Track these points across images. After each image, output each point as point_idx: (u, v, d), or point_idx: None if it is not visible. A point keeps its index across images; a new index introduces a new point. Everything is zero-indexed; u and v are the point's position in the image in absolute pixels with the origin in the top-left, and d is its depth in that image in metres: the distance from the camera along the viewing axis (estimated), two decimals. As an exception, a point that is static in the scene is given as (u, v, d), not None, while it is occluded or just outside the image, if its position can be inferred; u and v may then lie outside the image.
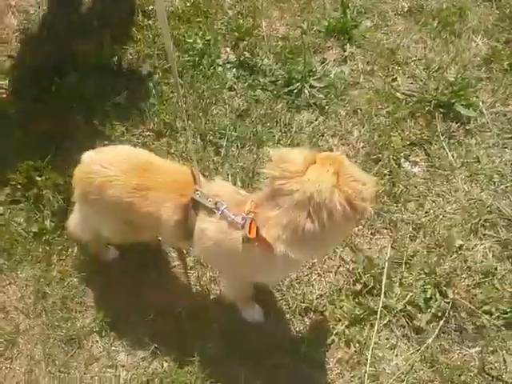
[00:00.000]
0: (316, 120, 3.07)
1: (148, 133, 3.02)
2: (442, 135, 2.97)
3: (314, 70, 3.23)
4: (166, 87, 3.16)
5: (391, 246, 2.67)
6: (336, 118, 3.07)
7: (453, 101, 3.03)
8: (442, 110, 3.04)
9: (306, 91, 3.15)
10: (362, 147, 2.97)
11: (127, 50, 3.28)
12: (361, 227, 2.72)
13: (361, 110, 3.09)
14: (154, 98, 3.12)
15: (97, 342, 2.49)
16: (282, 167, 1.76)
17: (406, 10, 3.46)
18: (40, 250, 2.68)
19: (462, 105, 3.03)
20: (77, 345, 2.48)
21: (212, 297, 2.58)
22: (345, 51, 3.33)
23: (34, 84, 3.13)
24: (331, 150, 2.94)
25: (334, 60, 3.31)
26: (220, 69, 3.24)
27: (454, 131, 2.99)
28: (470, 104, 3.04)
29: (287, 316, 2.50)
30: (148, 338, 2.46)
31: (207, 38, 3.31)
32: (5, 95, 3.17)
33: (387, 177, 2.84)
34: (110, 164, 2.10)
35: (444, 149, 2.93)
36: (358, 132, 3.02)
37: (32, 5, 3.49)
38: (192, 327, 2.48)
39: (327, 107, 3.10)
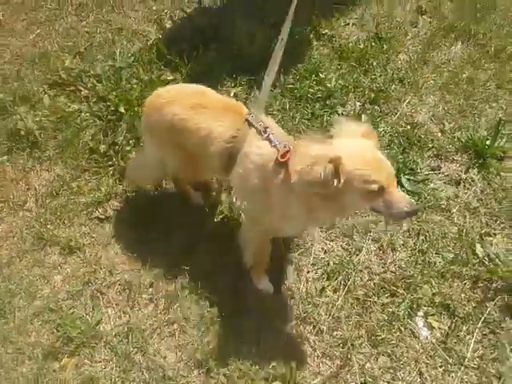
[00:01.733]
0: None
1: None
2: (483, 322, 2.34)
3: (416, 168, 2.84)
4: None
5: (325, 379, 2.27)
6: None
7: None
8: (506, 297, 2.39)
9: (390, 184, 2.79)
10: (390, 271, 2.53)
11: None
12: (320, 339, 2.36)
13: (425, 238, 2.62)
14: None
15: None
16: None
17: None
18: (83, 163, 3.01)
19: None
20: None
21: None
22: (466, 173, 2.83)
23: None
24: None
25: (448, 175, 2.86)
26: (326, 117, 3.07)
27: (500, 327, 2.33)
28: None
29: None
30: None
31: (341, 82, 3.17)
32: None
33: (386, 317, 2.39)
34: (173, 89, 2.43)
35: (472, 336, 2.32)
36: (399, 254, 2.58)
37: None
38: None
39: (394, 212, 2.71)
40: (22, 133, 3.09)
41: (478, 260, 2.54)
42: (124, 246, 2.70)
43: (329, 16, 3.52)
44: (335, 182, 1.78)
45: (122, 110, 3.09)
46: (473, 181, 2.81)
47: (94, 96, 3.23)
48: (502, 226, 2.66)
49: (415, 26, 3.54)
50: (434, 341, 2.33)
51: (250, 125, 2.17)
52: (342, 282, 2.51)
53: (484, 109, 3.10)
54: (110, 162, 2.94)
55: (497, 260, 2.53)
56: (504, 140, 2.88)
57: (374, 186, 1.79)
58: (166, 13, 3.68)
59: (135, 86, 3.22)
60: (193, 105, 2.25)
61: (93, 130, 3.10)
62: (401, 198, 1.83)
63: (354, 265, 2.54)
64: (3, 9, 3.87)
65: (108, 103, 3.17)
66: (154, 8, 3.75)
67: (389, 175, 1.83)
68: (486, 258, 2.54)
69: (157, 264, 2.59)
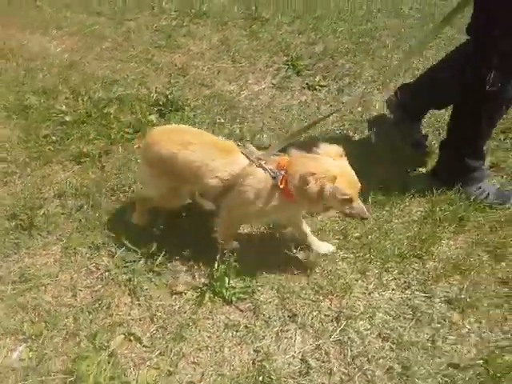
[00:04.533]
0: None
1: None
2: None
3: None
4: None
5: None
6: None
7: None
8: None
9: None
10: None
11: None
12: None
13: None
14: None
15: None
16: None
17: None
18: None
19: None
20: None
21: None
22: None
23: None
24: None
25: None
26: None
27: None
28: None
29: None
30: None
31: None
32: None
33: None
34: (167, 128, 3.13)
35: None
36: None
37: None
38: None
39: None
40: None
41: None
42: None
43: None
44: (329, 196, 2.49)
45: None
46: None
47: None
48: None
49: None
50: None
51: (245, 156, 2.68)
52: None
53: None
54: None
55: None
56: None
57: (347, 197, 2.53)
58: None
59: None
60: (184, 142, 2.73)
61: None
62: (359, 207, 2.59)
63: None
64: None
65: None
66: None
67: (357, 190, 2.57)
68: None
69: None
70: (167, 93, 4.42)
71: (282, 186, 2.57)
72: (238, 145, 2.83)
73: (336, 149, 2.62)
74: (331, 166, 2.53)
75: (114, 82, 4.77)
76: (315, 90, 4.52)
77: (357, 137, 3.96)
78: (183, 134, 2.87)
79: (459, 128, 3.26)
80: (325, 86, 4.53)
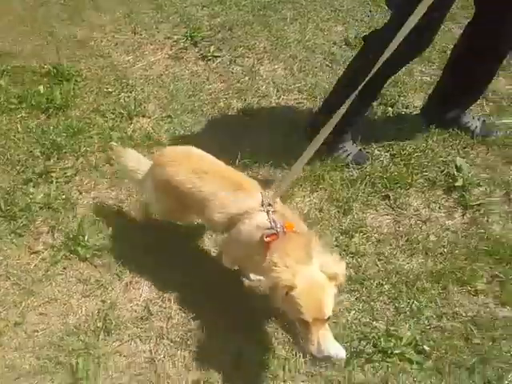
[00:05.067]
0: None
1: None
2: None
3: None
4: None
5: None
6: None
7: None
8: None
9: None
10: None
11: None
12: None
13: None
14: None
15: None
16: None
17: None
18: None
19: None
20: None
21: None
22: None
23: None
24: None
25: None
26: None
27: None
28: None
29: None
30: None
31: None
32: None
33: None
34: (180, 150, 2.78)
35: None
36: None
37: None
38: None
39: None
40: None
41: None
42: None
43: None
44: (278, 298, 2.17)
45: None
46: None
47: None
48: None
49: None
50: None
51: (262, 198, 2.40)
52: None
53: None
54: None
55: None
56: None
57: (302, 316, 2.08)
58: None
59: None
60: (195, 169, 2.52)
61: None
62: (315, 341, 2.04)
63: None
64: None
65: None
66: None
67: (317, 316, 2.07)
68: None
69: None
70: (59, 64, 4.45)
71: (266, 240, 2.23)
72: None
73: (336, 270, 2.18)
74: (307, 276, 2.13)
75: (10, 55, 4.76)
76: (209, 60, 4.62)
77: (240, 105, 4.09)
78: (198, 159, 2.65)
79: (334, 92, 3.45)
80: (218, 57, 4.64)
